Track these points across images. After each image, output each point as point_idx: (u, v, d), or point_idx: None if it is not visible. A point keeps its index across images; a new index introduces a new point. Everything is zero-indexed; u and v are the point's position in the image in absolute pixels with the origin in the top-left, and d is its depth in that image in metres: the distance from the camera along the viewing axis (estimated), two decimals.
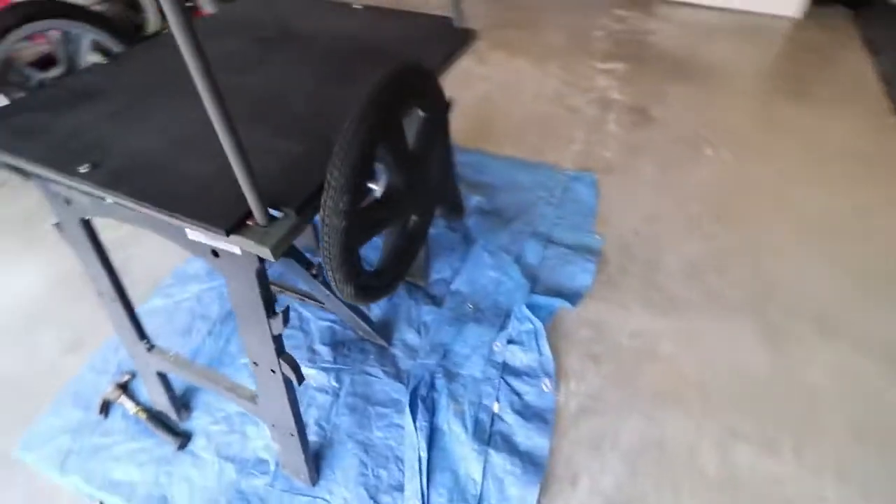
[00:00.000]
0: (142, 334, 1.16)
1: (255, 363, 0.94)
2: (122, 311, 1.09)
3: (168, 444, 1.29)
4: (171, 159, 0.74)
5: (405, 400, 1.33)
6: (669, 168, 2.10)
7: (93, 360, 1.48)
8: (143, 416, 1.33)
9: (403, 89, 0.67)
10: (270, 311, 0.82)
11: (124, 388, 1.40)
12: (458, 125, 2.39)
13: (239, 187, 0.61)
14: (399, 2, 3.23)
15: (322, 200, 0.61)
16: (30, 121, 0.84)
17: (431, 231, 1.82)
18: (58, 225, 0.96)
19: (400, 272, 0.89)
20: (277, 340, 0.87)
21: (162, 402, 1.33)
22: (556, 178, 2.04)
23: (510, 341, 1.46)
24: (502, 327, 1.50)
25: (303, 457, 1.13)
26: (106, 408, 1.37)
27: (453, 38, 1.11)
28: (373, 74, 0.87)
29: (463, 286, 1.62)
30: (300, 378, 0.93)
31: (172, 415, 1.34)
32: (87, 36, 1.06)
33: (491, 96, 2.61)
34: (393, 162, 0.72)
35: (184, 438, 1.30)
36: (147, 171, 0.73)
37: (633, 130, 2.32)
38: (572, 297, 1.57)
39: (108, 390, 1.39)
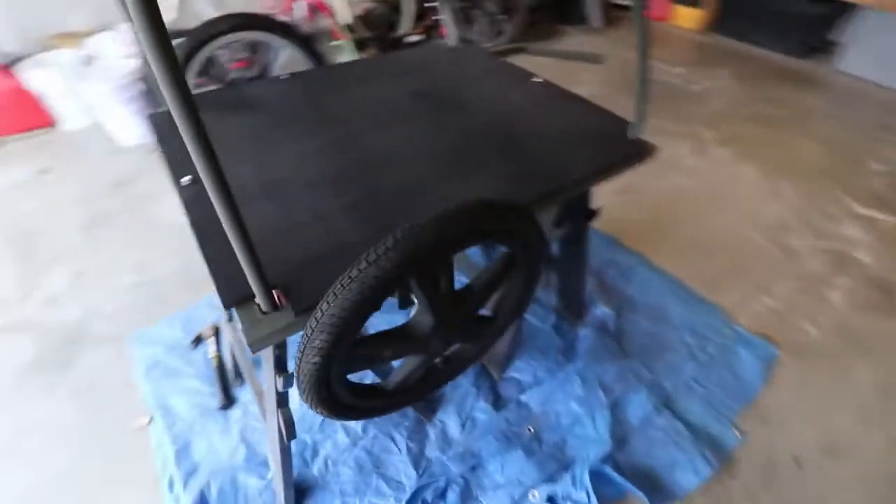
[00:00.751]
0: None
1: (261, 392, 0.93)
2: None
3: (215, 398, 1.42)
4: (246, 203, 0.75)
5: (409, 492, 1.20)
6: None
7: (213, 296, 1.73)
8: (214, 363, 1.50)
9: (466, 230, 0.54)
10: (280, 368, 0.78)
11: (217, 332, 1.60)
12: (629, 215, 2.09)
13: (278, 261, 0.58)
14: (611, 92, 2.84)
15: (307, 323, 0.52)
16: None
17: (533, 321, 1.61)
18: None
19: (415, 397, 0.76)
20: (281, 395, 0.84)
21: (229, 361, 1.46)
22: (720, 329, 1.60)
23: (551, 500, 1.19)
24: (552, 478, 1.23)
25: (283, 493, 1.10)
26: (197, 341, 1.58)
27: (620, 149, 0.91)
28: (497, 171, 0.76)
29: (535, 403, 1.39)
30: (290, 435, 0.89)
31: (232, 376, 1.47)
32: (285, 50, 1.20)
33: (687, 196, 2.21)
34: (425, 301, 0.59)
35: (228, 402, 1.42)
36: None
37: (865, 313, 1.68)
38: (659, 494, 1.20)
39: (205, 327, 1.60)
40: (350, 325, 0.51)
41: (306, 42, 1.16)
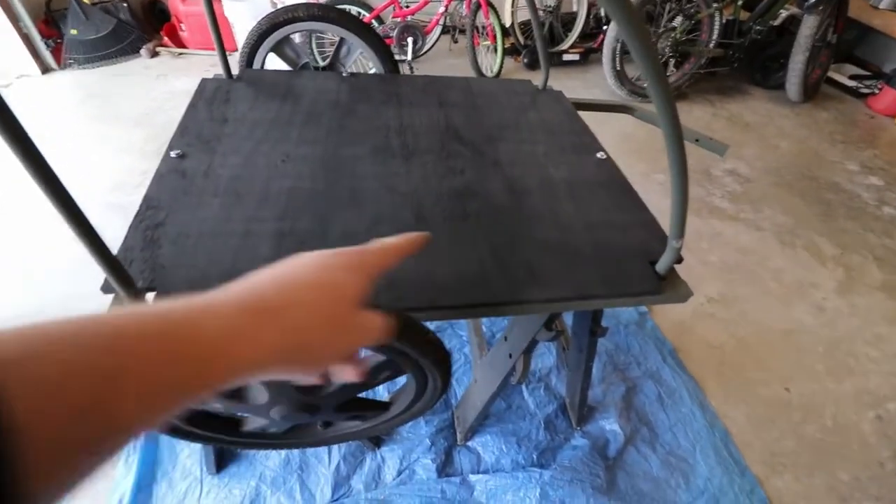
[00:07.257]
0: None
1: None
2: None
3: None
4: (204, 195, 0.74)
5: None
6: None
7: None
8: None
9: None
10: None
11: None
12: (711, 331, 1.73)
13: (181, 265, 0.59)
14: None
15: None
16: (237, 94, 1.00)
17: (529, 403, 1.43)
18: None
19: (286, 445, 0.71)
20: None
21: None
22: None
23: None
24: None
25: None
26: None
27: (636, 280, 0.71)
28: (465, 254, 0.68)
29: (480, 489, 1.24)
30: None
31: None
32: (357, 48, 1.19)
33: (801, 339, 1.76)
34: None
35: None
36: (187, 179, 0.77)
37: None
38: None
39: None
40: None
41: (381, 45, 1.13)
